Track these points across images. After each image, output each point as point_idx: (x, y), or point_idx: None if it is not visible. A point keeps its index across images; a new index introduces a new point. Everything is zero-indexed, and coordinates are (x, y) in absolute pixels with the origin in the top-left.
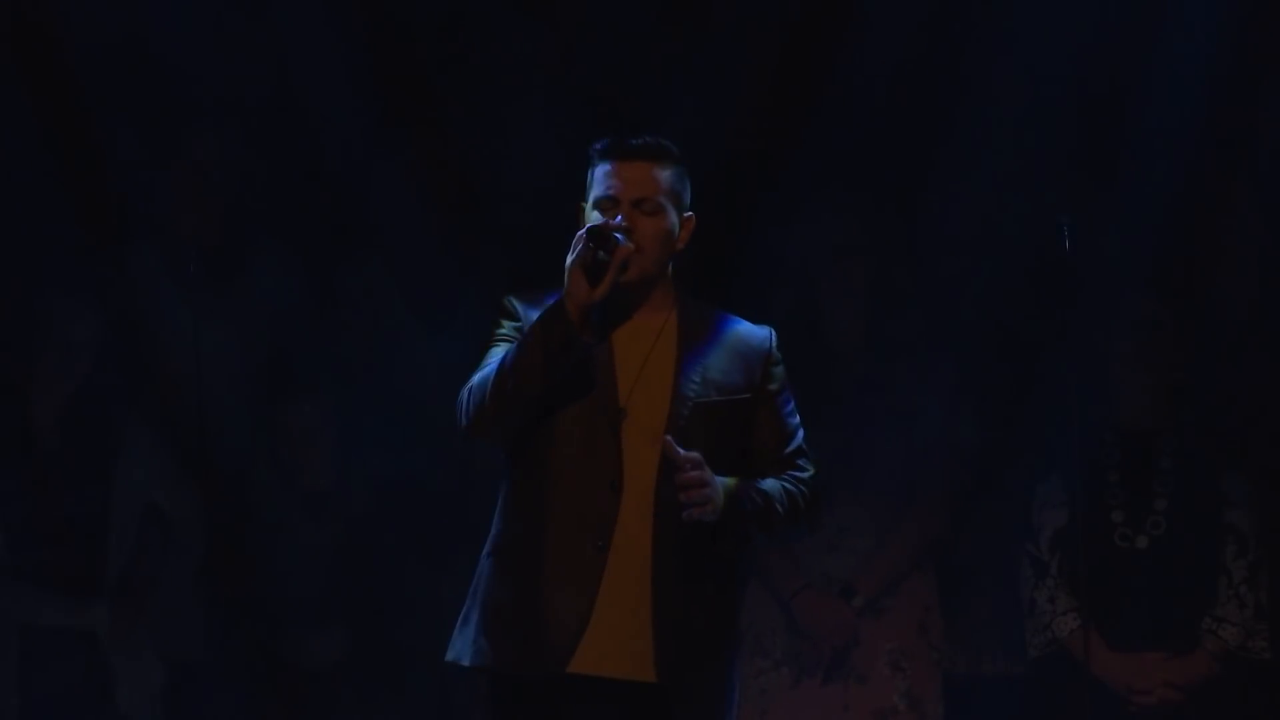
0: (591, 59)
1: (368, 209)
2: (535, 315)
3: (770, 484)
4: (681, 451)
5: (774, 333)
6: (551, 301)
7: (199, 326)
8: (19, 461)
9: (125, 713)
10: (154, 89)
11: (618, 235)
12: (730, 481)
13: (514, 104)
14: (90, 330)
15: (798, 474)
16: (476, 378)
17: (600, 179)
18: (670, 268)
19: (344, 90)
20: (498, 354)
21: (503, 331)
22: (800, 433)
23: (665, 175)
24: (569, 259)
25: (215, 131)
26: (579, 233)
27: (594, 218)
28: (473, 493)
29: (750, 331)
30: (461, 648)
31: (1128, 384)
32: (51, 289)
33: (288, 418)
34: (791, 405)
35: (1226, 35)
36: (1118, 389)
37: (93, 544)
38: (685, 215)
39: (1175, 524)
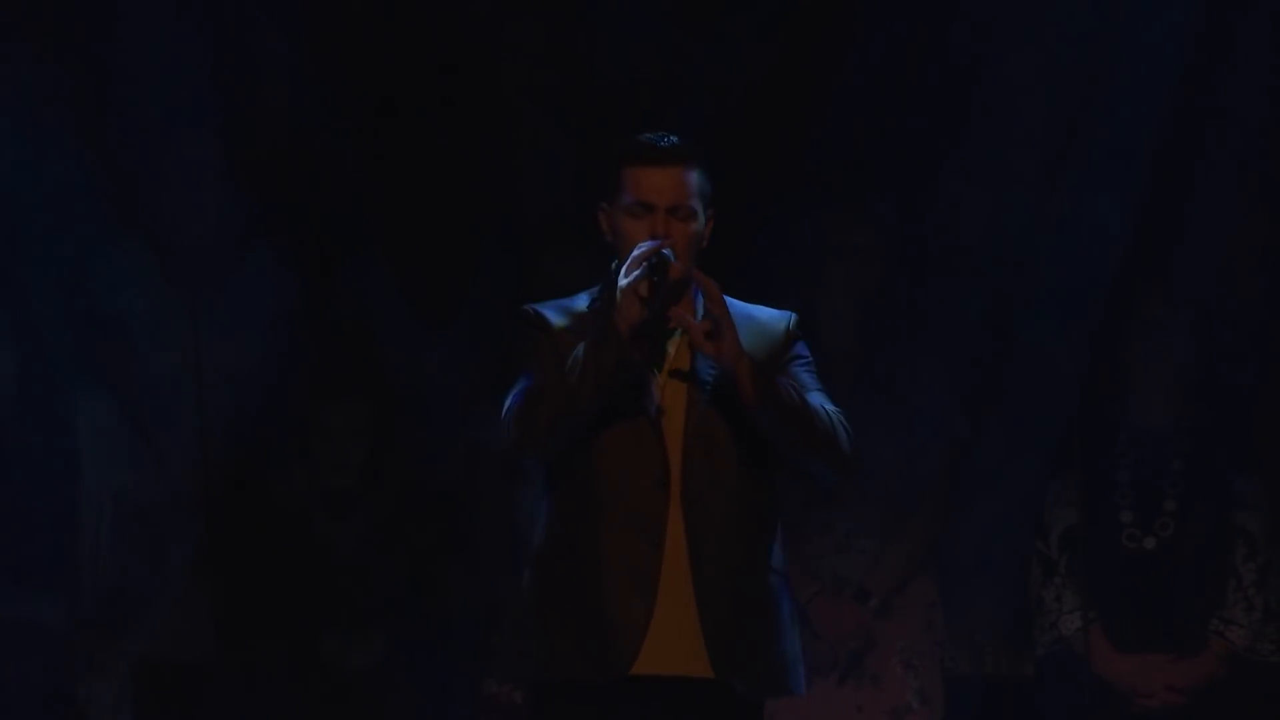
0: (593, 56)
1: (369, 208)
2: (566, 324)
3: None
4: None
5: (795, 315)
6: (579, 308)
7: (199, 326)
8: None
9: (87, 710)
10: (153, 88)
11: (666, 253)
12: None
13: (516, 103)
14: (46, 314)
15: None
16: (521, 394)
17: (633, 184)
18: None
19: (345, 89)
20: (536, 368)
21: (535, 344)
22: (823, 390)
23: (695, 177)
24: (622, 281)
25: (214, 131)
26: (633, 253)
27: (628, 227)
28: (475, 494)
29: (771, 315)
30: (512, 659)
31: (1140, 384)
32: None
33: (315, 417)
34: (813, 373)
35: (1245, 33)
36: (1130, 389)
37: (57, 536)
38: (709, 212)
39: (1184, 525)
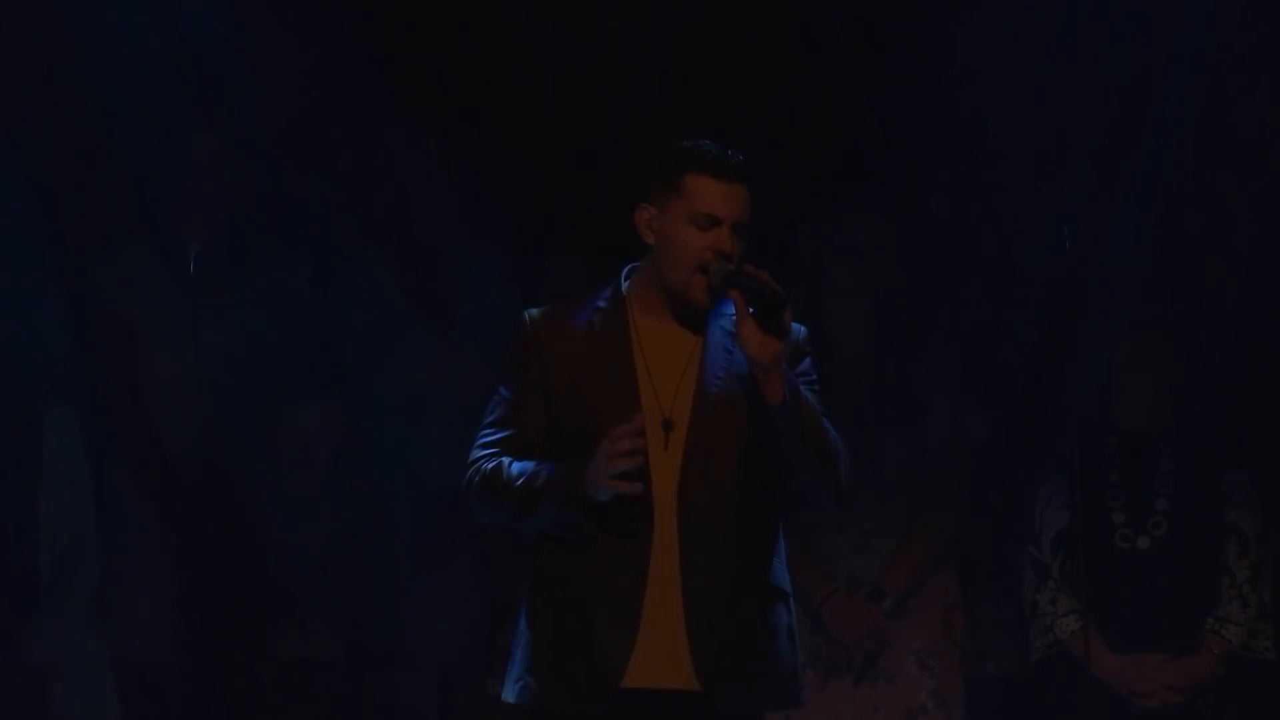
0: (594, 57)
1: (371, 208)
2: (562, 336)
3: None
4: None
5: (805, 329)
6: (582, 318)
7: (199, 326)
8: None
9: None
10: (157, 88)
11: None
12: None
13: (517, 103)
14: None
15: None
16: (482, 471)
17: (701, 194)
18: None
19: (346, 90)
20: (508, 421)
21: (516, 375)
22: (827, 416)
23: (749, 194)
24: (603, 466)
25: (218, 131)
26: (609, 447)
27: (687, 235)
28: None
29: None
30: (507, 685)
31: (1128, 384)
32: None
33: (292, 418)
34: (818, 395)
35: (1225, 34)
36: (1118, 389)
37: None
38: None
39: (1177, 524)
